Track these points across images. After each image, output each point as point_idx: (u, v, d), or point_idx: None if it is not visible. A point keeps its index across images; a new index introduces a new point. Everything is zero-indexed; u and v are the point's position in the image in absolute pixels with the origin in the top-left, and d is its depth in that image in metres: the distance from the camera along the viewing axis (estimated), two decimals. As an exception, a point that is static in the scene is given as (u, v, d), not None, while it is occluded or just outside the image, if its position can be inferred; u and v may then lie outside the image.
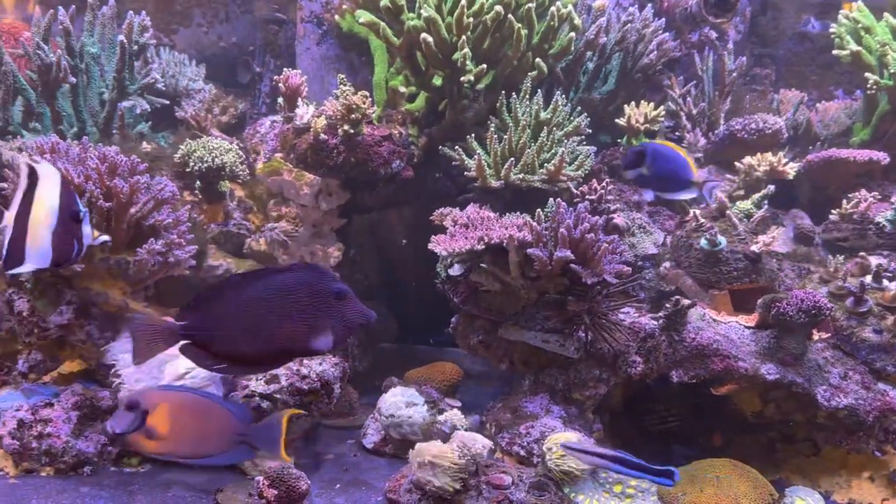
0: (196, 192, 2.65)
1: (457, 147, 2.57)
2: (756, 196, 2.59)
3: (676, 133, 2.91)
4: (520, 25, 2.52)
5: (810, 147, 3.00)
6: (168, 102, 2.98)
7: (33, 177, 1.61)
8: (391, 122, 2.81)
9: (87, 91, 2.87)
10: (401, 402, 2.37)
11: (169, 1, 3.51)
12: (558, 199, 2.24)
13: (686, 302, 2.21)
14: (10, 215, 1.59)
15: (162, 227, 2.16)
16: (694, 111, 2.82)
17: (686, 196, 2.20)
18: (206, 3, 3.56)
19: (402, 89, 2.90)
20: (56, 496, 1.96)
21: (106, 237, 1.73)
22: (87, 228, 1.61)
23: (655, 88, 3.00)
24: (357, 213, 2.83)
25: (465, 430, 2.25)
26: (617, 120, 2.76)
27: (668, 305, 2.23)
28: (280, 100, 2.78)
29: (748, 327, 2.31)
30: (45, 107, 2.79)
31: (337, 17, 3.06)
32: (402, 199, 2.77)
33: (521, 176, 2.44)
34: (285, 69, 2.64)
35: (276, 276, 1.58)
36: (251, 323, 1.56)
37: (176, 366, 2.13)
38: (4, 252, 1.58)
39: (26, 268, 1.60)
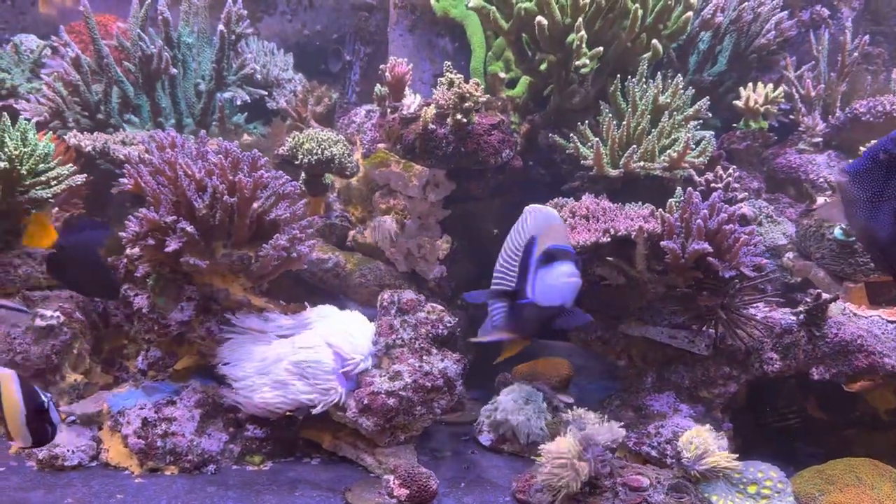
0: (300, 184, 2.60)
1: (571, 135, 2.47)
2: (886, 182, 2.44)
3: (791, 116, 2.77)
4: (637, 5, 2.41)
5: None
6: (266, 93, 2.94)
7: None
8: (491, 109, 2.73)
9: (184, 82, 2.84)
10: (519, 399, 2.30)
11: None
12: (689, 188, 2.13)
13: (827, 296, 2.10)
14: None
15: (282, 221, 2.11)
16: (813, 93, 2.68)
17: None
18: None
19: (503, 75, 2.82)
20: (185, 496, 1.93)
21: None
22: (54, 414, 1.68)
23: (765, 69, 2.87)
24: (460, 204, 2.76)
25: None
26: (735, 102, 2.64)
27: (807, 300, 2.12)
28: (377, 88, 2.72)
29: (891, 321, 2.18)
30: (144, 99, 2.77)
31: (432, 1, 2.98)
32: (508, 188, 2.69)
33: (640, 164, 2.34)
34: (391, 58, 2.57)
35: None
36: None
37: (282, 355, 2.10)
38: None
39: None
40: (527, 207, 2.03)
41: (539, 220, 1.93)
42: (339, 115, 3.20)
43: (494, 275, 2.05)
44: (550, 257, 1.81)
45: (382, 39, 3.29)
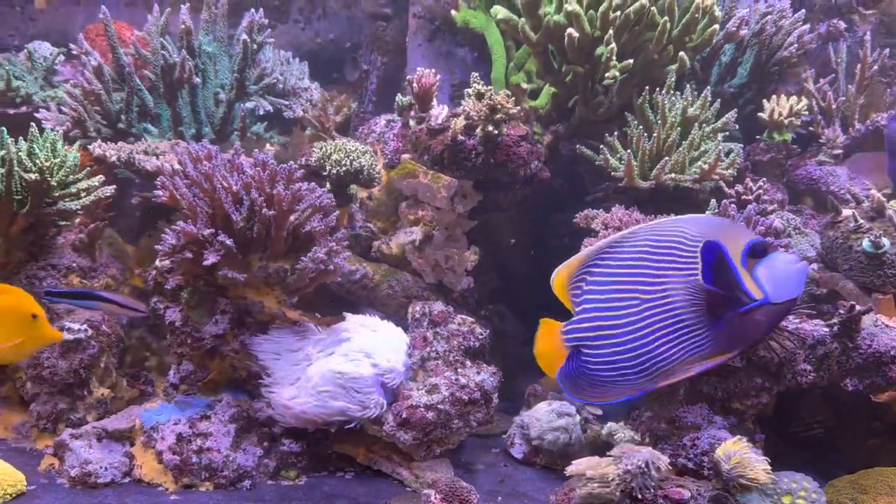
0: (325, 194, 2.58)
1: (601, 147, 2.48)
2: (912, 194, 2.48)
3: (810, 128, 2.80)
4: (666, 18, 2.43)
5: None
6: (287, 103, 2.92)
7: None
8: (514, 120, 2.73)
9: (203, 91, 2.81)
10: (552, 412, 2.30)
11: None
12: (724, 200, 2.15)
13: (860, 308, 2.12)
14: None
15: (316, 233, 2.09)
16: (834, 105, 2.71)
17: None
18: (303, -1, 3.49)
19: (525, 85, 2.82)
20: (223, 513, 1.91)
21: None
22: None
23: (784, 81, 2.89)
24: (482, 215, 2.75)
25: (628, 440, 2.18)
26: (759, 114, 2.66)
27: (841, 311, 2.14)
28: (399, 98, 2.71)
29: (922, 333, 2.21)
30: (164, 107, 2.74)
31: (453, 11, 2.97)
32: (536, 199, 2.70)
33: (671, 175, 2.35)
34: (419, 69, 2.56)
35: None
36: None
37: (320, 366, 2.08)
38: None
39: None
40: (670, 220, 1.78)
41: (708, 223, 1.72)
42: (355, 124, 3.19)
43: (633, 303, 1.68)
44: (761, 250, 1.64)
45: (399, 49, 3.28)
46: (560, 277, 1.81)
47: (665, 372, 1.69)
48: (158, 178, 2.04)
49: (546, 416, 2.27)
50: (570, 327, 1.78)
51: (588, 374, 1.74)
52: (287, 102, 2.91)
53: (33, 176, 2.04)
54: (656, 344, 1.66)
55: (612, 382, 1.72)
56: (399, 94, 2.73)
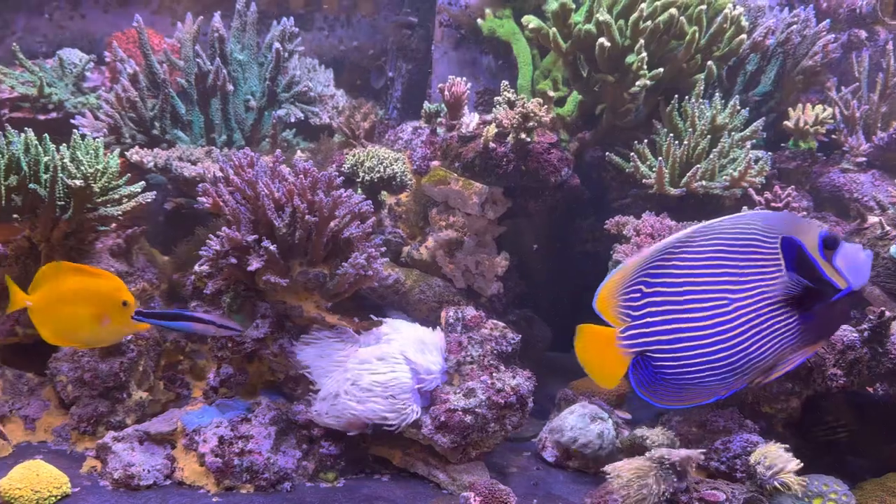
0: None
1: (632, 154, 2.52)
2: (935, 201, 2.51)
3: (832, 136, 2.84)
4: (695, 28, 2.46)
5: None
6: (318, 111, 2.96)
7: None
8: (540, 127, 2.77)
9: (234, 98, 2.85)
10: (585, 416, 2.33)
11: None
12: (757, 207, 2.18)
13: (890, 314, 2.15)
14: None
15: (355, 239, 2.13)
16: (857, 114, 2.75)
17: None
18: (326, 7, 3.53)
19: (552, 93, 2.85)
20: (265, 514, 1.94)
21: None
22: None
23: (806, 90, 2.93)
24: (508, 221, 2.79)
25: (661, 443, 2.21)
26: (785, 123, 2.70)
27: (871, 317, 2.17)
28: (426, 105, 2.75)
29: (949, 339, 2.24)
30: (198, 115, 2.77)
31: (479, 20, 3.01)
32: (559, 205, 2.73)
33: (702, 183, 2.39)
34: (450, 77, 2.59)
35: None
36: None
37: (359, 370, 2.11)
38: None
39: None
40: (731, 218, 1.73)
41: (781, 220, 1.70)
42: (380, 131, 3.22)
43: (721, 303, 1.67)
44: (833, 242, 1.66)
45: (424, 56, 3.32)
46: (607, 289, 1.78)
47: (760, 369, 1.70)
48: (200, 185, 2.08)
49: (579, 421, 2.30)
50: (633, 332, 1.74)
51: (668, 379, 1.72)
52: (315, 109, 2.95)
53: (78, 182, 2.07)
54: (752, 342, 1.66)
55: (700, 384, 1.71)
56: (426, 102, 2.77)
